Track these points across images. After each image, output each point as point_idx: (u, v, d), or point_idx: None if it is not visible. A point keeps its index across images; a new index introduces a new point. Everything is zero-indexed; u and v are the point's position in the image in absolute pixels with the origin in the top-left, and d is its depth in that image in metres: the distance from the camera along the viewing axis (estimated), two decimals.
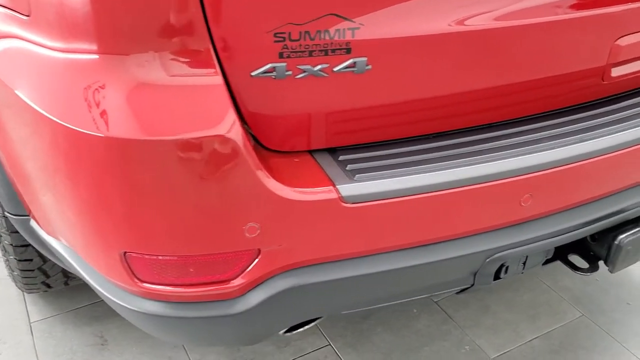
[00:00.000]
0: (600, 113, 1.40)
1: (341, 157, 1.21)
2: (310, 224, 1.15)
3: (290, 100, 1.12)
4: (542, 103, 1.37)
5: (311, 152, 1.22)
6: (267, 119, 1.13)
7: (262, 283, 1.22)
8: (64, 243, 1.32)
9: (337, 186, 1.14)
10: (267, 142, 1.17)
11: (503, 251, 1.36)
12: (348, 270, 1.24)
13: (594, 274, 2.33)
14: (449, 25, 1.15)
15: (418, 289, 1.40)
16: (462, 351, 2.01)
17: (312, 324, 1.48)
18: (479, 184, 1.22)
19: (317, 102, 1.14)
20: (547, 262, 1.56)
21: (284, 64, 1.06)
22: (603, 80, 1.37)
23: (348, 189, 1.14)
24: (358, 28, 1.07)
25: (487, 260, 1.36)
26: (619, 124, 1.37)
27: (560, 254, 1.59)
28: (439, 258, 1.29)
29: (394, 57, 1.13)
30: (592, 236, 1.57)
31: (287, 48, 1.04)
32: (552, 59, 1.29)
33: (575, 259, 1.60)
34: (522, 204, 1.30)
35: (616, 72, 1.38)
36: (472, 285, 1.43)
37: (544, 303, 2.21)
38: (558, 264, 1.60)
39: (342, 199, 1.14)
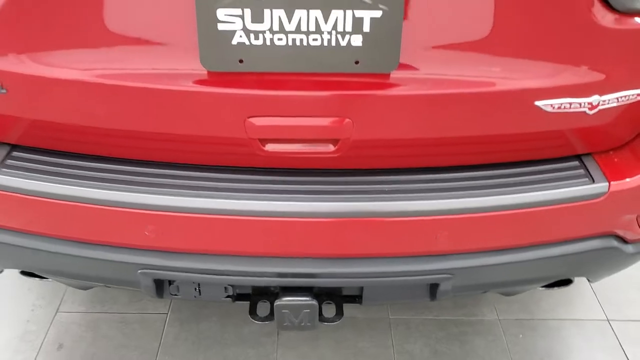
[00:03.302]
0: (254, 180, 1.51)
1: None
2: None
3: None
4: (179, 155, 1.54)
5: None
6: None
7: None
8: None
9: None
10: None
11: (154, 270, 1.60)
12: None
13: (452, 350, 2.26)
14: None
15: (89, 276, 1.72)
16: None
17: (47, 279, 1.85)
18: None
19: None
20: (240, 299, 1.73)
21: None
22: (258, 152, 1.48)
23: None
24: None
25: (140, 272, 1.61)
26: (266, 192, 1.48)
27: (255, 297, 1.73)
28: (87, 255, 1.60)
29: None
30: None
31: None
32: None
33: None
34: (147, 233, 1.52)
35: (271, 147, 1.48)
36: (140, 288, 1.68)
37: (371, 359, 2.23)
38: None
39: None
